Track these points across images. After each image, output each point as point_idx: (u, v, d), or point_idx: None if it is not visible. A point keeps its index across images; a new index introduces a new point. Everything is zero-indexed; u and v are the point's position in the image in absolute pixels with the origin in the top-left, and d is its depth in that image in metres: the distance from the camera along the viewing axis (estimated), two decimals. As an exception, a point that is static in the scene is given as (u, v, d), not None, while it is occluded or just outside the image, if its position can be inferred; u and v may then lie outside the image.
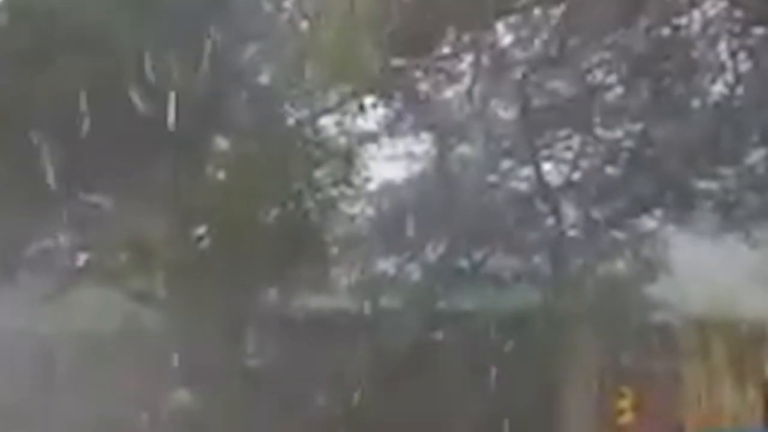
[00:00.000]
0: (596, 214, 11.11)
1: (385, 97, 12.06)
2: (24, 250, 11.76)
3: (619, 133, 10.75)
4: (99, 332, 13.00)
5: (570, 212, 11.26)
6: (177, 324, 11.72)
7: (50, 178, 10.28)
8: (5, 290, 12.34)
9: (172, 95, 10.43)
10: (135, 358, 12.45)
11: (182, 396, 11.68)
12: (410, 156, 12.68)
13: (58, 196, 10.54)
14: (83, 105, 9.91)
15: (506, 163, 11.87)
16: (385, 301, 12.43)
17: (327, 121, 12.12)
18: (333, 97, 11.77)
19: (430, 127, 12.25)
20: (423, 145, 12.58)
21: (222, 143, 12.03)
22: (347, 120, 12.05)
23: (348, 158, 12.71)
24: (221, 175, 11.20)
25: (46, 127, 9.97)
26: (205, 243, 11.56)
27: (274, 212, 11.84)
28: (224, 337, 11.29)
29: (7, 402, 13.40)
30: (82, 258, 11.72)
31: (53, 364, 13.57)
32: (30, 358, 13.63)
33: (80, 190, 10.88)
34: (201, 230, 11.37)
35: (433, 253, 12.19)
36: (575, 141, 11.23)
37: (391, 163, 12.82)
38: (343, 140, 12.59)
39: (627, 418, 8.47)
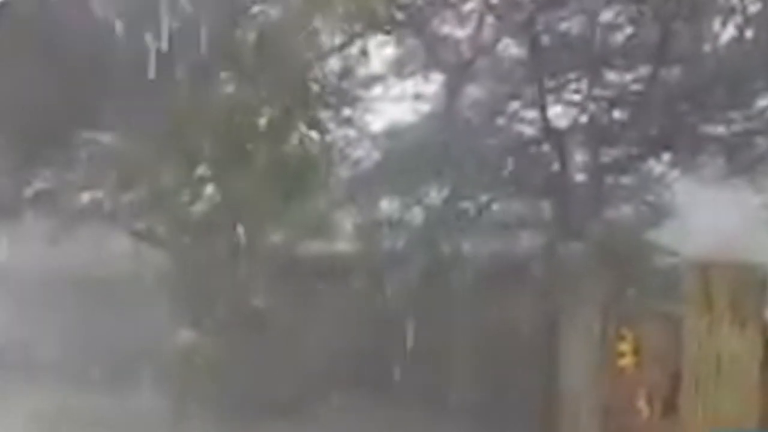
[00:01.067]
0: (603, 157, 11.11)
1: (392, 36, 12.10)
2: (28, 189, 11.94)
3: (627, 76, 10.70)
4: (104, 272, 13.26)
5: (577, 156, 11.28)
6: (181, 265, 11.92)
7: (54, 115, 10.40)
8: (9, 230, 12.56)
9: (178, 30, 10.51)
10: (139, 298, 12.69)
11: (187, 336, 11.90)
12: (417, 97, 12.67)
13: (62, 133, 10.68)
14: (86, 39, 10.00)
15: (513, 105, 11.85)
16: (388, 245, 12.58)
17: (332, 62, 12.16)
18: (339, 38, 11.80)
19: (438, 68, 12.22)
20: (430, 86, 12.56)
21: (226, 82, 12.07)
22: (353, 61, 12.09)
23: (353, 99, 12.79)
24: (224, 114, 11.19)
25: (48, 63, 10.01)
26: (208, 183, 11.71)
27: (278, 154, 11.96)
28: (228, 279, 11.47)
29: (11, 343, 13.76)
30: (86, 197, 11.86)
31: (58, 304, 13.86)
32: (35, 298, 13.92)
33: (85, 127, 10.97)
34: (203, 169, 11.51)
35: (437, 196, 12.24)
36: (583, 83, 11.19)
37: (396, 105, 12.85)
38: (347, 81, 12.67)
39: (627, 360, 8.54)
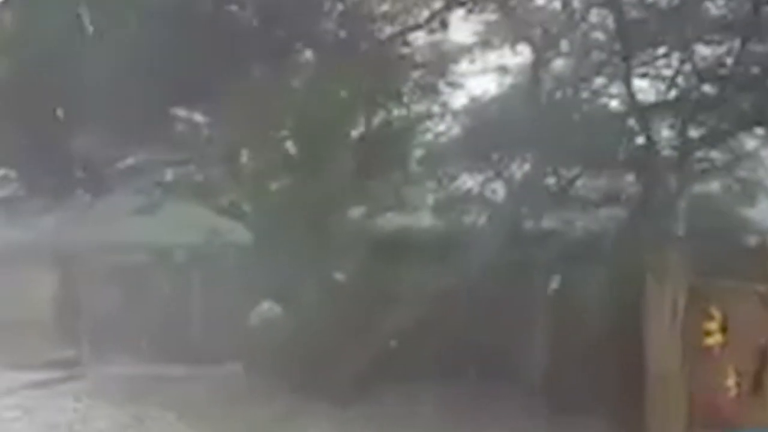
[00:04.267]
0: (692, 132, 11.13)
1: (478, 9, 12.26)
2: (116, 165, 12.56)
3: (718, 50, 10.67)
4: (188, 246, 13.88)
5: (664, 131, 11.32)
6: (263, 239, 12.41)
7: (141, 93, 10.91)
8: (99, 204, 13.24)
9: (262, 8, 10.88)
10: (223, 271, 13.29)
11: (268, 308, 12.43)
12: (501, 70, 12.87)
13: (150, 110, 11.19)
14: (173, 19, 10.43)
15: (599, 79, 11.93)
16: (469, 220, 12.84)
17: (417, 36, 12.41)
18: (424, 13, 12.04)
19: (523, 40, 12.35)
20: (515, 58, 12.71)
21: (310, 56, 12.41)
22: (437, 35, 12.31)
23: (438, 73, 13.03)
24: (309, 88, 11.54)
25: (137, 41, 10.49)
26: (291, 158, 12.11)
27: (360, 128, 12.32)
28: (309, 253, 11.87)
29: (99, 313, 14.53)
30: (171, 173, 12.40)
31: (145, 276, 14.56)
32: (122, 270, 14.65)
33: (171, 104, 11.47)
34: (287, 145, 11.91)
35: (519, 171, 12.42)
36: (673, 57, 11.21)
37: (480, 78, 13.07)
38: (432, 55, 12.91)
39: (713, 339, 8.74)
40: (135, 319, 14.07)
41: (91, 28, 10.96)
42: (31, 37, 10.92)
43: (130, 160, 12.42)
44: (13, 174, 12.77)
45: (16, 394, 11.91)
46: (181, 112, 12.15)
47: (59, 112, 11.55)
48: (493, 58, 12.72)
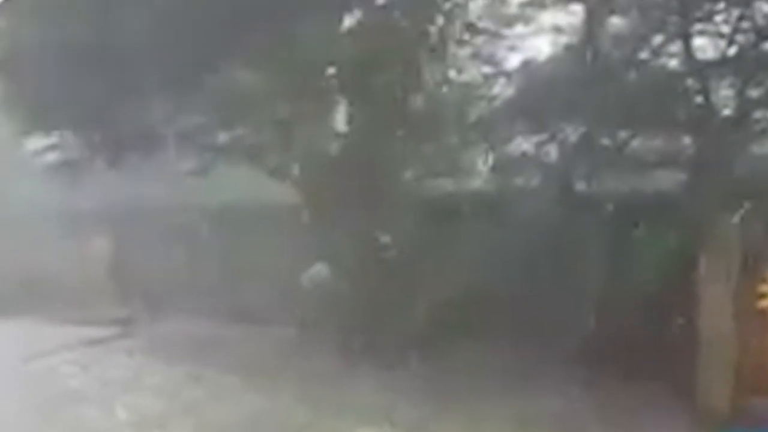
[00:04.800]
0: (750, 92, 10.84)
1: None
2: (171, 127, 12.75)
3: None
4: (240, 207, 14.06)
5: (722, 90, 11.06)
6: (314, 201, 12.50)
7: (195, 56, 11.04)
8: (153, 166, 13.48)
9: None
10: (274, 232, 13.43)
11: (319, 270, 12.53)
12: (555, 30, 12.67)
13: (203, 73, 11.33)
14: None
15: (656, 38, 11.68)
16: (523, 182, 12.73)
17: None
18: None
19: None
20: (569, 17, 12.49)
21: (363, 17, 12.38)
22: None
23: (490, 34, 12.89)
24: (360, 50, 11.52)
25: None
26: (343, 121, 12.14)
27: (412, 90, 12.26)
28: (360, 215, 11.93)
29: (154, 273, 14.83)
30: (224, 136, 12.55)
31: (198, 237, 14.80)
32: (176, 231, 14.91)
33: (224, 67, 11.58)
34: (339, 108, 11.95)
35: (574, 133, 12.25)
36: (732, 13, 10.91)
37: (534, 39, 12.87)
38: (486, 16, 12.77)
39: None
40: (188, 279, 14.33)
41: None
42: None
43: (183, 123, 12.58)
44: (69, 137, 13.10)
45: (73, 351, 12.27)
46: (233, 74, 12.24)
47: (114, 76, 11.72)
48: (547, 18, 12.48)
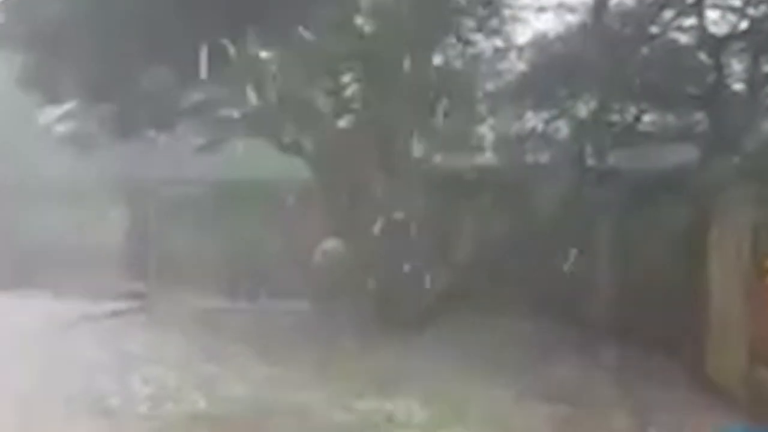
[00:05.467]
0: (765, 66, 10.86)
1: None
2: (182, 102, 12.81)
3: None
4: (253, 182, 14.14)
5: (735, 65, 11.08)
6: (326, 176, 12.57)
7: (207, 30, 11.07)
8: (165, 141, 13.55)
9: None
10: (287, 208, 13.53)
11: (332, 244, 12.62)
12: (563, 5, 12.68)
13: (215, 47, 11.35)
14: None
15: (667, 13, 11.69)
16: (533, 158, 12.79)
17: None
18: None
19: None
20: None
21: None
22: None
23: (499, 9, 12.89)
24: (369, 24, 11.54)
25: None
26: (354, 96, 12.15)
27: (421, 65, 12.27)
28: (370, 190, 12.00)
29: (171, 246, 14.96)
30: (236, 111, 12.58)
31: (211, 211, 14.90)
32: (190, 205, 15.02)
33: (235, 42, 11.58)
34: (350, 83, 11.95)
35: (584, 109, 12.30)
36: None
37: (545, 14, 12.89)
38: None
39: (777, 277, 8.64)
40: (202, 253, 14.46)
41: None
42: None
43: (195, 97, 12.62)
44: (82, 108, 13.15)
45: (89, 324, 12.41)
46: (246, 48, 12.25)
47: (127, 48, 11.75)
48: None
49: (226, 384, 9.23)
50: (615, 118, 12.08)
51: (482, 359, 10.08)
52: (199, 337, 11.57)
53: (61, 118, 13.78)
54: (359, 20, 11.87)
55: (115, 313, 13.14)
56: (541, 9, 12.65)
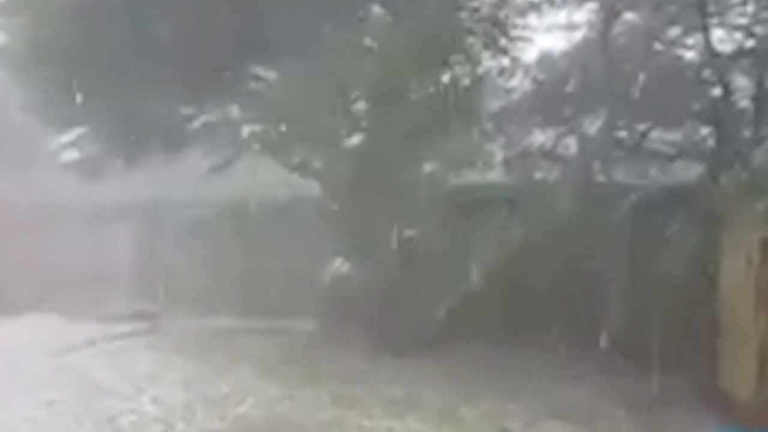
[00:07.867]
0: (770, 83, 10.89)
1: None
2: (192, 123, 12.88)
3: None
4: (262, 202, 14.19)
5: (740, 81, 11.12)
6: (335, 196, 12.61)
7: (216, 51, 11.15)
8: (175, 162, 13.61)
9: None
10: (296, 227, 13.56)
11: (342, 264, 12.64)
12: (571, 25, 12.74)
13: (223, 69, 11.45)
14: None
15: (674, 30, 11.75)
16: (542, 175, 12.79)
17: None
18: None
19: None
20: (583, 14, 12.59)
21: (381, 13, 12.49)
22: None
23: (504, 28, 12.96)
24: (378, 46, 11.63)
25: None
26: (362, 115, 12.22)
27: (430, 84, 12.34)
28: (379, 209, 12.03)
29: (179, 267, 15.00)
30: (246, 130, 12.66)
31: (219, 232, 14.94)
32: (198, 226, 15.08)
33: (244, 62, 11.70)
34: (359, 103, 12.03)
35: (591, 126, 12.32)
36: (749, 5, 10.98)
37: (550, 33, 12.96)
38: (500, 10, 12.83)
39: (787, 289, 8.67)
40: (210, 274, 14.51)
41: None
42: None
43: (204, 118, 12.70)
44: (91, 133, 13.21)
45: (100, 345, 12.46)
46: (253, 69, 12.36)
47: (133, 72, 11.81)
48: (562, 14, 12.58)
49: (237, 404, 9.25)
50: (622, 134, 12.09)
51: (495, 380, 10.10)
52: (210, 356, 11.60)
53: (67, 146, 13.75)
54: (368, 40, 12.04)
55: (125, 334, 13.20)
56: (549, 28, 12.68)
